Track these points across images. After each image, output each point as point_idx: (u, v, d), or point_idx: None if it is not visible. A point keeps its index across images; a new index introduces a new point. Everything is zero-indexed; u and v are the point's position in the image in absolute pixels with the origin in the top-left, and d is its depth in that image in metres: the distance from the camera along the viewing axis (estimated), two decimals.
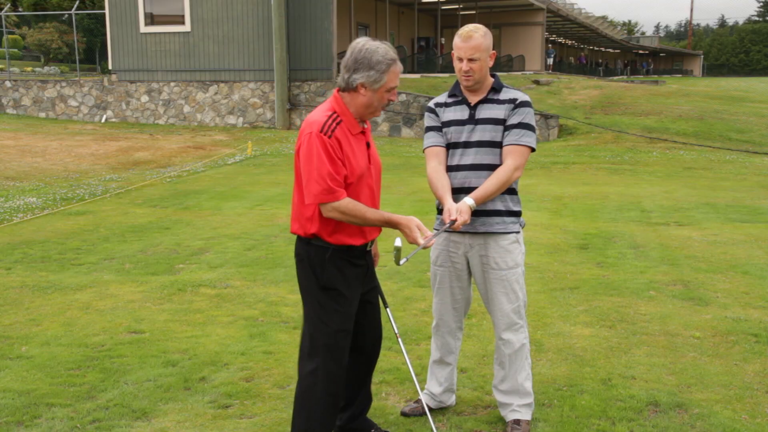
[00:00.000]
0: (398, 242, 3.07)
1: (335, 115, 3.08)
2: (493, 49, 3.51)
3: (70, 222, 9.01)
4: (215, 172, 13.99)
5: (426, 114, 3.66)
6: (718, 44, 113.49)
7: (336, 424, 3.39)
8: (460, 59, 3.44)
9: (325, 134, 3.00)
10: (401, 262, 3.11)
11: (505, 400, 3.61)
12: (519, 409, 3.57)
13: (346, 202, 3.01)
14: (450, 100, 3.61)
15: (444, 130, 3.57)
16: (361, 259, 3.24)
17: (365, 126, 3.23)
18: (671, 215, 9.38)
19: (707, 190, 11.76)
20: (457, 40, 3.44)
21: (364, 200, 3.13)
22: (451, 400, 3.81)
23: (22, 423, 3.64)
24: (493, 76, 3.58)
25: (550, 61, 47.98)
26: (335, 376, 3.19)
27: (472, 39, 3.39)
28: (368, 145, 3.22)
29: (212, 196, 11.03)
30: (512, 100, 3.49)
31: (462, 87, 3.57)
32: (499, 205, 3.49)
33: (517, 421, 3.53)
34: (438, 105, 3.63)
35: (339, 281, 3.15)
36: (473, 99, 3.54)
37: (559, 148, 17.80)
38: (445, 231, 3.45)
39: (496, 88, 3.53)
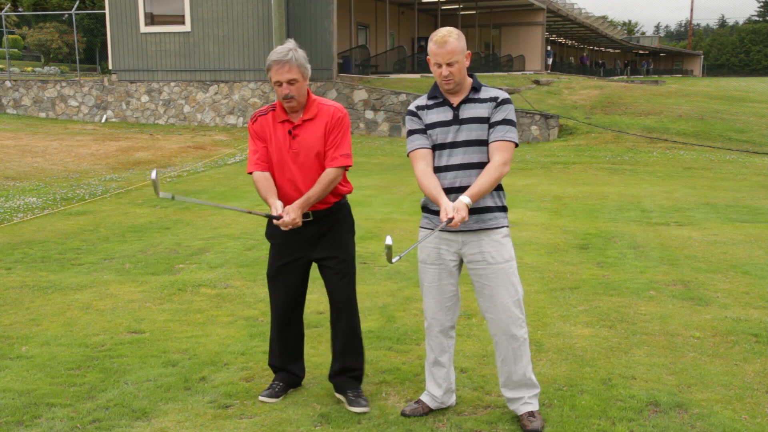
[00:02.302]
0: (389, 240, 3.16)
1: (272, 105, 3.82)
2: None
3: (70, 222, 9.01)
4: (215, 172, 14.00)
5: (408, 117, 3.67)
6: (718, 44, 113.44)
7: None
8: (438, 65, 3.48)
9: (252, 120, 3.82)
10: (393, 260, 3.19)
11: (514, 395, 3.64)
12: (530, 401, 3.62)
13: (254, 176, 3.77)
14: (431, 102, 3.63)
15: (428, 132, 3.59)
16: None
17: (301, 116, 3.72)
18: (671, 215, 9.38)
19: (707, 190, 11.76)
20: (432, 47, 3.47)
21: (279, 178, 3.76)
22: (451, 399, 3.82)
23: (22, 423, 3.64)
24: (470, 75, 3.61)
25: (550, 61, 47.99)
26: (273, 311, 3.98)
27: (448, 44, 3.42)
28: (290, 132, 3.71)
29: (212, 196, 11.04)
30: (494, 99, 3.55)
31: (442, 89, 3.60)
32: (489, 202, 3.55)
33: (531, 413, 3.58)
34: (419, 108, 3.65)
35: (273, 236, 3.89)
36: (455, 100, 3.58)
37: (559, 148, 17.81)
38: (442, 230, 3.48)
39: (476, 88, 3.58)
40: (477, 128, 3.53)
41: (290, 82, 3.60)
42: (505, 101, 3.55)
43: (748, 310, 5.40)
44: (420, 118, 3.62)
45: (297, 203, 3.65)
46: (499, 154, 3.48)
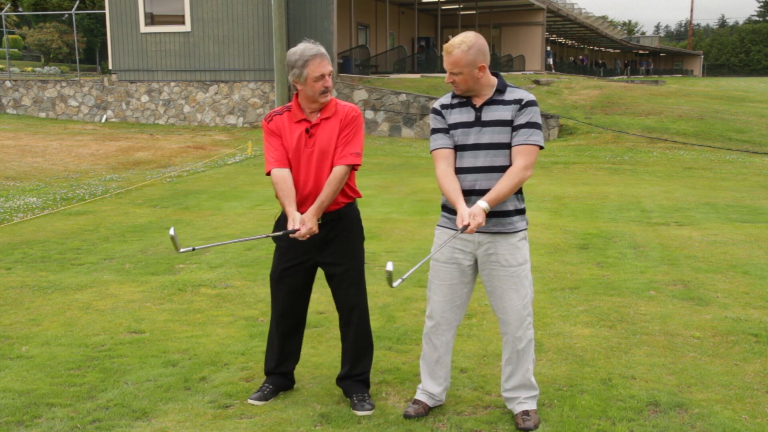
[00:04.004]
0: (390, 266, 3.17)
1: (288, 105, 3.79)
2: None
3: (70, 222, 9.01)
4: (215, 172, 14.00)
5: (431, 115, 3.65)
6: (718, 44, 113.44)
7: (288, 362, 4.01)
8: (447, 70, 3.48)
9: (266, 120, 3.79)
10: (395, 284, 3.21)
11: (512, 395, 3.66)
12: (526, 401, 3.62)
13: (273, 174, 3.69)
14: (455, 101, 3.59)
15: (451, 132, 3.56)
16: None
17: (319, 116, 3.71)
18: (671, 215, 9.38)
19: (707, 190, 11.76)
20: (444, 51, 3.48)
21: (295, 174, 3.71)
22: (444, 396, 3.83)
23: (22, 423, 3.64)
24: (496, 75, 3.57)
25: (550, 61, 47.99)
26: (274, 313, 3.96)
27: (452, 55, 3.40)
28: (307, 131, 3.70)
29: (212, 196, 11.04)
30: (518, 101, 3.49)
31: None
32: (509, 206, 3.51)
33: (526, 412, 3.59)
34: (443, 106, 3.61)
35: (279, 237, 3.79)
36: (478, 101, 3.53)
37: (559, 148, 17.81)
38: (457, 236, 3.46)
39: (501, 89, 3.52)
40: (499, 131, 3.48)
41: (330, 74, 3.64)
42: (530, 103, 3.48)
43: (748, 310, 5.40)
44: (443, 117, 3.58)
45: (311, 210, 3.62)
46: (521, 158, 3.44)
